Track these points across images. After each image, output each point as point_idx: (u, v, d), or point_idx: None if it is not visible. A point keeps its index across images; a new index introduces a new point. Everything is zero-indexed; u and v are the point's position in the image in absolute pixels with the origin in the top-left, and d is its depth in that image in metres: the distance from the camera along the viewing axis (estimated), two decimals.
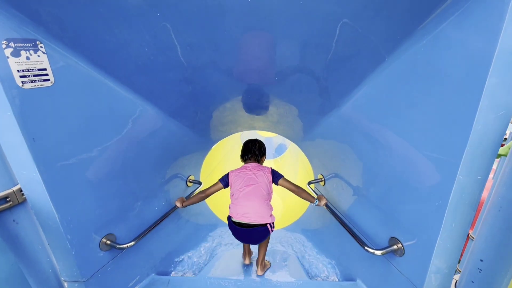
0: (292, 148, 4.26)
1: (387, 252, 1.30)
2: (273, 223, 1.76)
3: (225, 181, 1.79)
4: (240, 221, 1.67)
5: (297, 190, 1.75)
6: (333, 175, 1.98)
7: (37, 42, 0.98)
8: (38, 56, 0.99)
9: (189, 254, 2.15)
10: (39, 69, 1.00)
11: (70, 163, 1.14)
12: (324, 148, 1.92)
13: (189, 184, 2.30)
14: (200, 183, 2.31)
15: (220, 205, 2.82)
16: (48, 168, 1.06)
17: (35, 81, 1.00)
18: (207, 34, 1.07)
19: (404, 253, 1.26)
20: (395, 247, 1.30)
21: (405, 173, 1.18)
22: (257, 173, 1.72)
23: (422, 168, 1.09)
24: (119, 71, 1.18)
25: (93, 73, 1.14)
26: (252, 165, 1.78)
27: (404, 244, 1.26)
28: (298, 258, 2.14)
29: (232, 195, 1.75)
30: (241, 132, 4.46)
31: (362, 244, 1.39)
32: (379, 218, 1.44)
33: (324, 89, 1.39)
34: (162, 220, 1.74)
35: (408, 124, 1.13)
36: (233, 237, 1.97)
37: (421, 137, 1.07)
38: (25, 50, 0.95)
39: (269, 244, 2.26)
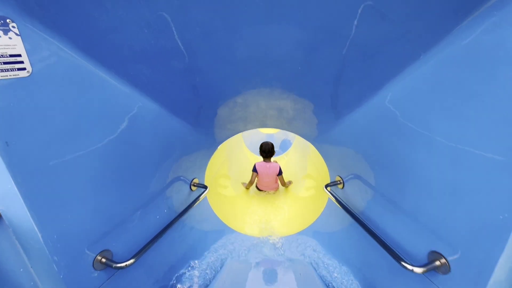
0: (298, 144, 4.02)
1: (428, 270, 1.13)
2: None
3: (255, 171, 3.08)
4: (264, 190, 3.25)
5: (284, 182, 3.16)
6: (354, 177, 1.80)
7: (8, 20, 0.78)
8: (10, 38, 0.79)
9: (194, 266, 1.96)
10: (11, 55, 0.80)
11: (54, 170, 0.95)
12: (344, 147, 1.73)
13: (193, 188, 2.11)
14: (205, 187, 2.11)
15: (227, 210, 2.63)
16: (27, 177, 0.87)
17: (7, 70, 0.80)
18: (219, 12, 0.88)
19: (449, 270, 1.08)
20: (437, 263, 1.12)
21: (456, 179, 1.00)
22: (271, 173, 3.09)
23: (481, 173, 0.91)
24: (113, 58, 0.99)
25: (81, 61, 0.95)
26: (269, 165, 3.08)
27: (448, 259, 1.09)
28: (313, 267, 1.97)
29: (259, 179, 3.18)
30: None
31: (398, 259, 1.21)
32: (414, 228, 1.26)
33: (351, 80, 1.21)
34: (165, 231, 1.55)
35: (462, 120, 0.94)
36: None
37: (479, 135, 0.89)
38: None
39: (283, 252, 2.13)
